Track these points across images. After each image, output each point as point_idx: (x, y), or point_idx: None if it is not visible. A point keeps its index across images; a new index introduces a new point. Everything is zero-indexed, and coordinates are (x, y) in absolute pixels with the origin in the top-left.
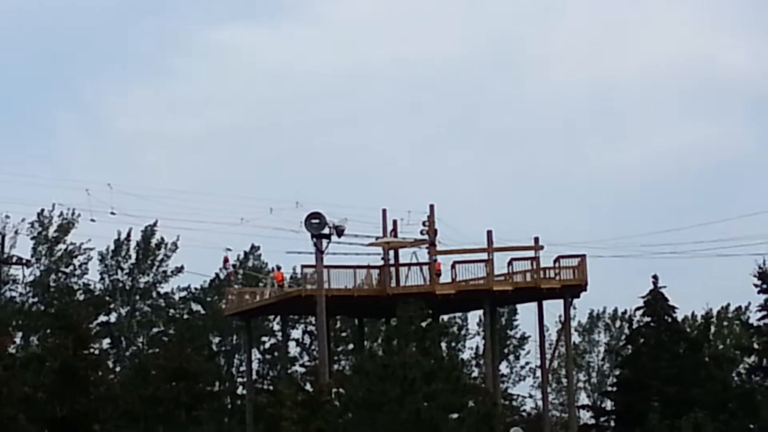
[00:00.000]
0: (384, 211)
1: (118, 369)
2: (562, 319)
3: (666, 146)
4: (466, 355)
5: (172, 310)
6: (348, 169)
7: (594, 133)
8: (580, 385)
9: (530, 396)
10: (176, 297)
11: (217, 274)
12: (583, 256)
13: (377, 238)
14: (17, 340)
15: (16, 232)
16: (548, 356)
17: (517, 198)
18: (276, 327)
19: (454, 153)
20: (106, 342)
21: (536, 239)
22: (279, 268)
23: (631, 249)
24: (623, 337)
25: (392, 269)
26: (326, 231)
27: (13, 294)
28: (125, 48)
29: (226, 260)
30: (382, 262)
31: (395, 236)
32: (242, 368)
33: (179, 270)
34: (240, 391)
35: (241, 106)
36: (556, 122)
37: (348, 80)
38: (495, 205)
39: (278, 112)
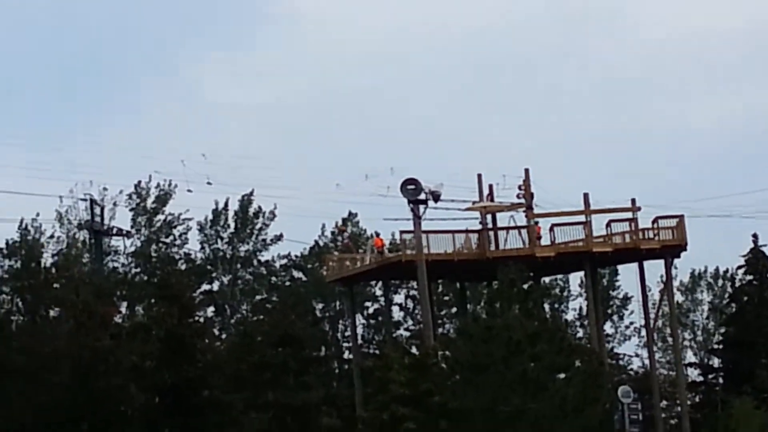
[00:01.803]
0: (479, 175)
1: (224, 336)
2: (664, 278)
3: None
4: (569, 316)
5: (273, 278)
6: (440, 135)
7: (689, 91)
8: (686, 343)
9: (637, 355)
10: (277, 264)
11: (316, 241)
12: (681, 217)
13: (474, 202)
14: (122, 310)
15: (114, 204)
16: (652, 316)
17: (612, 159)
18: (378, 292)
19: (543, 116)
20: (210, 310)
21: (633, 200)
22: (378, 234)
23: (727, 209)
24: (726, 295)
25: (491, 233)
26: (422, 196)
27: (116, 264)
28: (215, 18)
29: (342, 230)
30: (479, 227)
31: (491, 200)
32: (347, 333)
33: (278, 238)
34: (346, 355)
35: (332, 73)
36: (648, 80)
37: (434, 47)
38: (589, 167)
39: (369, 79)
